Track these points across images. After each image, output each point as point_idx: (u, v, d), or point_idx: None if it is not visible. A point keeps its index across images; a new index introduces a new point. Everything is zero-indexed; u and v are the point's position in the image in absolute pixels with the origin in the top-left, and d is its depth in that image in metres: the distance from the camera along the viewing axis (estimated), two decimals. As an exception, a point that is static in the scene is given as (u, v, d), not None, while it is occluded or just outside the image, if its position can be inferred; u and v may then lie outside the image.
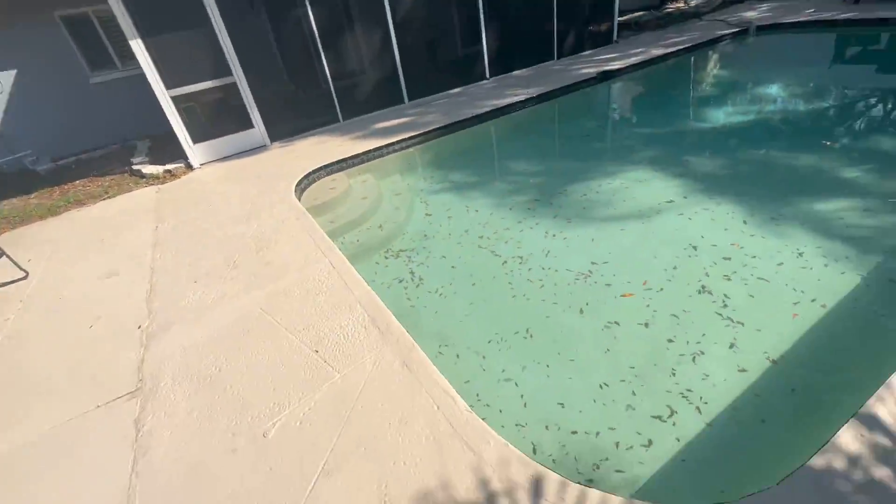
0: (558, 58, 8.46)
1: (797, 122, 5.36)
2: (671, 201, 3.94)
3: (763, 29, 8.09)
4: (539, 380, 2.60)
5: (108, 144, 7.37)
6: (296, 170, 4.93)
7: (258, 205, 4.32)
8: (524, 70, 8.11)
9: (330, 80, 6.53)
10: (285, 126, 6.53)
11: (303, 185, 4.69)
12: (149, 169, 5.71)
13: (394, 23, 6.65)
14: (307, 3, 5.99)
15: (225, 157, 6.13)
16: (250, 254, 3.58)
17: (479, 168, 5.35)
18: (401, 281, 3.62)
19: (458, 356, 2.85)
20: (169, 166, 5.74)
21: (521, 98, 6.13)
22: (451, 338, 2.99)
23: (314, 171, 4.88)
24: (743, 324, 2.64)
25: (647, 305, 2.91)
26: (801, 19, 7.95)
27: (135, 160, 6.21)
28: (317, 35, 6.21)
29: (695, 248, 3.33)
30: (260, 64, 6.03)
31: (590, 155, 5.31)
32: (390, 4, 6.53)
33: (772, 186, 3.97)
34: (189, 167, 5.84)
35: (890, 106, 5.42)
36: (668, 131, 5.56)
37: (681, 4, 10.53)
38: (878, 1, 8.10)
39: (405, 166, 5.60)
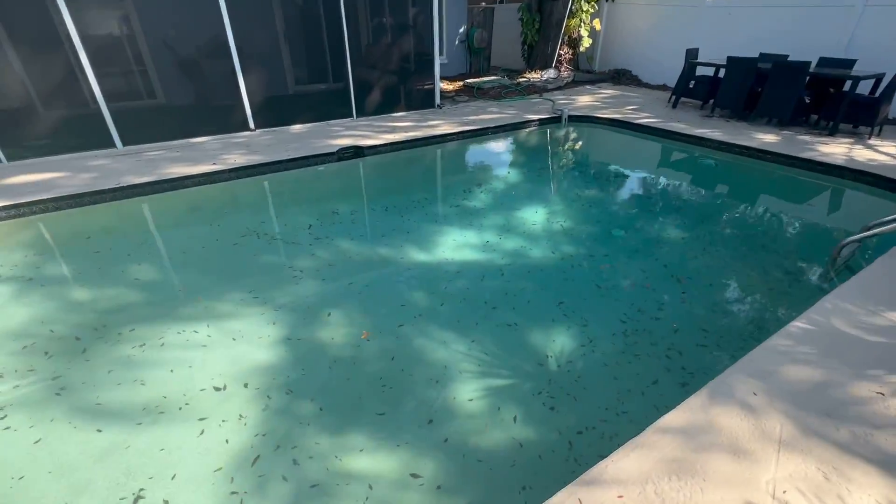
0: (358, 116, 7.30)
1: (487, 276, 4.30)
2: (221, 388, 2.60)
3: (574, 119, 7.39)
4: None
5: None
6: None
7: None
8: (304, 125, 6.84)
9: (-30, 107, 4.85)
10: None
11: None
12: None
13: (81, 38, 5.10)
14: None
15: None
16: None
17: (71, 263, 3.85)
18: None
19: None
20: None
21: (218, 169, 4.75)
22: None
23: None
24: None
25: None
26: (613, 116, 7.32)
27: None
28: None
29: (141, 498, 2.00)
30: None
31: (219, 280, 3.81)
32: (73, 18, 5.01)
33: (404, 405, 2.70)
34: None
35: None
36: (351, 259, 4.14)
37: (536, 76, 9.90)
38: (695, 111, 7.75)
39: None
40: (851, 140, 5.96)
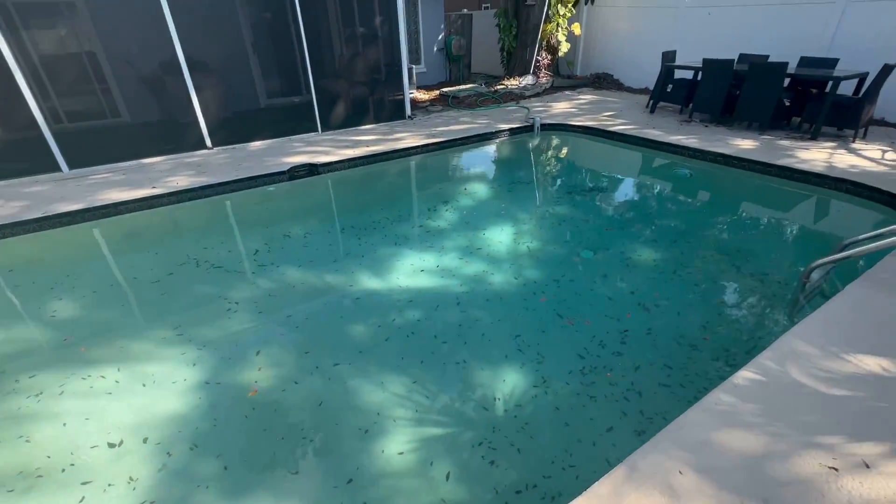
0: (324, 130, 7.04)
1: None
2: (116, 444, 2.29)
3: (547, 127, 7.11)
4: None
5: None
6: None
7: None
8: (265, 142, 6.57)
9: None
10: None
11: None
12: None
13: (15, 58, 4.83)
14: None
15: None
16: None
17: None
18: None
19: None
20: None
21: (157, 193, 4.45)
22: None
23: None
24: None
25: None
26: (588, 124, 7.06)
27: None
28: None
29: None
30: None
31: (144, 315, 3.52)
32: (4, 38, 4.74)
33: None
34: None
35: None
36: (294, 289, 3.77)
37: (514, 83, 9.65)
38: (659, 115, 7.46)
39: None
40: (834, 144, 5.66)
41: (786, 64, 5.63)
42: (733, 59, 6.23)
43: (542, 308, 3.36)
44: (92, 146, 5.56)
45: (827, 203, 4.83)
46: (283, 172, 5.05)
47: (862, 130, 5.85)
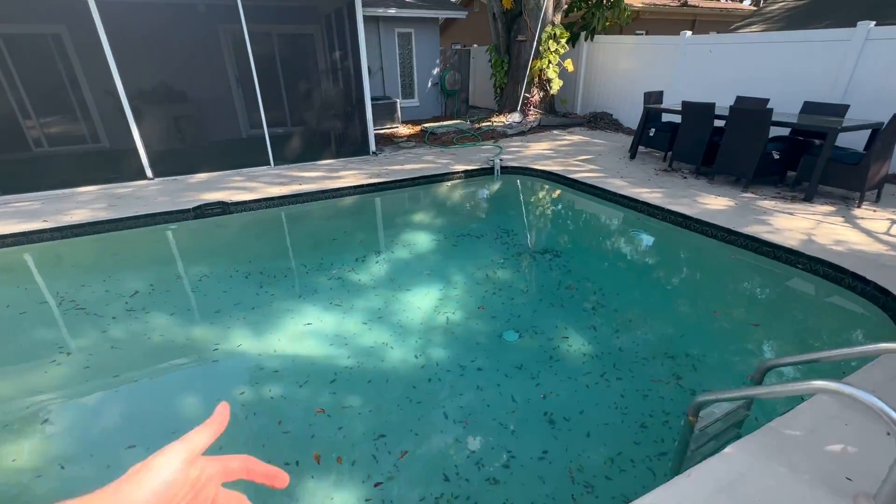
0: (277, 163, 6.77)
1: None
2: None
3: (508, 170, 6.47)
4: None
5: None
6: None
7: None
8: (210, 174, 6.35)
9: None
10: None
11: None
12: None
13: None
14: None
15: None
16: None
17: None
18: None
19: None
20: None
21: (43, 227, 4.21)
22: None
23: None
24: None
25: None
26: (551, 168, 6.36)
27: None
28: None
29: None
30: None
31: None
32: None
33: None
34: None
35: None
36: (146, 342, 3.29)
37: (502, 119, 9.15)
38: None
39: None
40: (831, 208, 4.62)
41: (770, 111, 4.75)
42: (713, 104, 5.42)
43: (428, 402, 2.67)
44: (27, 174, 5.52)
45: (793, 291, 3.73)
46: (186, 210, 4.72)
47: (874, 192, 4.84)
